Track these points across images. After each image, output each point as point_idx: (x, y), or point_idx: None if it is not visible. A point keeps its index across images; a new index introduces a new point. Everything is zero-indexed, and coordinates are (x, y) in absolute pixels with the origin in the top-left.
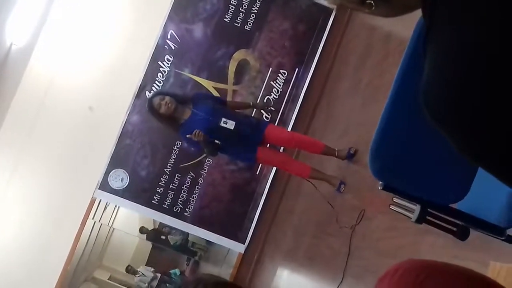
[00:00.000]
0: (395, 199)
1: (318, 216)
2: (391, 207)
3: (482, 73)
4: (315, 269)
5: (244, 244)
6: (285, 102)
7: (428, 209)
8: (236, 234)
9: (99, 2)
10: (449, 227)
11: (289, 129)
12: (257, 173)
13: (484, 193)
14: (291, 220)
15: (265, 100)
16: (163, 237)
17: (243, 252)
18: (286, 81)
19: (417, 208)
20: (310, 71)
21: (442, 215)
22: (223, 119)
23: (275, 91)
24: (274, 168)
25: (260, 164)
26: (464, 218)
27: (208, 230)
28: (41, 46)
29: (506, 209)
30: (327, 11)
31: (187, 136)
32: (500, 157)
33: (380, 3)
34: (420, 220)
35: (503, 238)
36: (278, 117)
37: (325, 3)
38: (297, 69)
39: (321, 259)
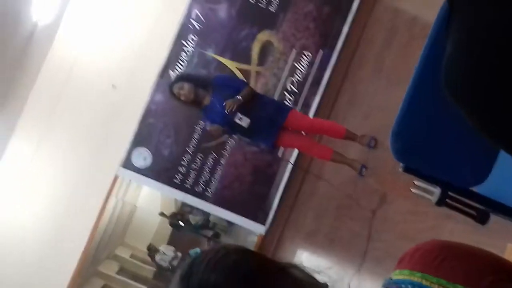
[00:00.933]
0: (416, 182)
1: (339, 200)
2: (412, 190)
3: (502, 53)
4: (335, 251)
5: (265, 225)
6: (309, 85)
7: (449, 192)
8: (257, 216)
9: None
10: (469, 211)
11: (312, 111)
12: (280, 155)
13: (505, 177)
14: (312, 202)
15: (288, 82)
16: (181, 223)
17: (263, 233)
18: (310, 64)
19: (437, 190)
20: (334, 53)
21: (462, 199)
22: (239, 115)
23: (298, 73)
24: (296, 151)
25: (282, 147)
26: (484, 202)
27: (229, 211)
28: (66, 24)
29: None
30: None
31: (207, 128)
32: None
33: None
34: (441, 202)
35: None
36: (301, 100)
37: None
38: (321, 51)
39: (342, 242)
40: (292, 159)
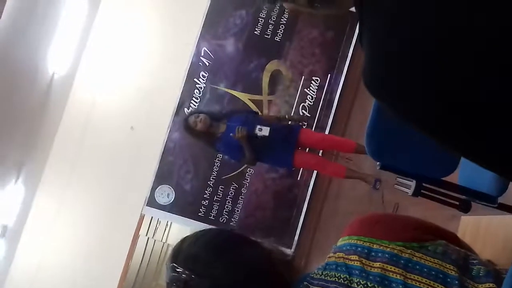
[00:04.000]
0: (398, 179)
1: (358, 215)
2: (395, 186)
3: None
4: None
5: (290, 249)
6: (320, 108)
7: (423, 184)
8: (282, 240)
9: (133, 27)
10: (451, 201)
11: (326, 133)
12: (298, 178)
13: (473, 167)
14: (334, 222)
15: (300, 108)
16: None
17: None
18: (320, 88)
19: (413, 183)
20: (342, 75)
21: (441, 190)
22: (258, 127)
23: (309, 98)
24: (315, 173)
25: (301, 170)
26: (459, 189)
27: (254, 238)
28: (82, 72)
29: (495, 179)
30: (355, 16)
31: (231, 134)
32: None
33: (324, 4)
34: (416, 193)
35: (495, 206)
36: (314, 123)
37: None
38: (329, 75)
39: None
40: (311, 181)
